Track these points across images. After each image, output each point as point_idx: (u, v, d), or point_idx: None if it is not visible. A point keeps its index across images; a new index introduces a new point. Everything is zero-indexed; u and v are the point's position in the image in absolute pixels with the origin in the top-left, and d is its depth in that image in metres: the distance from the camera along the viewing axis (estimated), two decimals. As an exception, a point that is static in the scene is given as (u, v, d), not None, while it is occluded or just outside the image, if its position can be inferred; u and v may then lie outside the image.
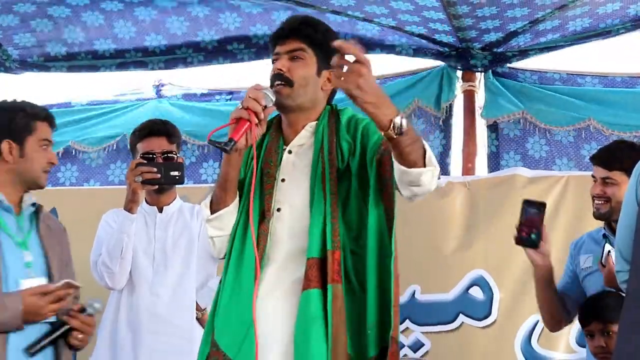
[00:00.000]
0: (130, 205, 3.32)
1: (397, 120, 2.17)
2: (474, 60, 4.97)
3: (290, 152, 2.48)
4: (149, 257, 3.41)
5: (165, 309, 3.35)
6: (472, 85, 5.10)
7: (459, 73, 5.11)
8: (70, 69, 5.19)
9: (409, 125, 2.20)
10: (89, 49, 5.01)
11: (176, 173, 3.34)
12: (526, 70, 5.14)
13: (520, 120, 5.04)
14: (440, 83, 5.10)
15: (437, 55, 5.03)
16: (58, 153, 5.45)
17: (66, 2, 4.55)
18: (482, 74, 5.08)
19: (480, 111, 5.10)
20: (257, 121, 2.30)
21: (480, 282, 4.56)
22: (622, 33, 4.75)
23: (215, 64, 5.19)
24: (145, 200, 3.49)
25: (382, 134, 2.21)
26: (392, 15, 4.59)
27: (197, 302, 3.44)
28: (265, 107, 2.32)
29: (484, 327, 4.48)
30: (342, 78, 2.14)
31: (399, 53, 5.00)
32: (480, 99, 5.12)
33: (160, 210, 3.51)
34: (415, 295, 4.56)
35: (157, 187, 3.42)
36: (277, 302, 2.33)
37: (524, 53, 4.99)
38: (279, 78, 2.41)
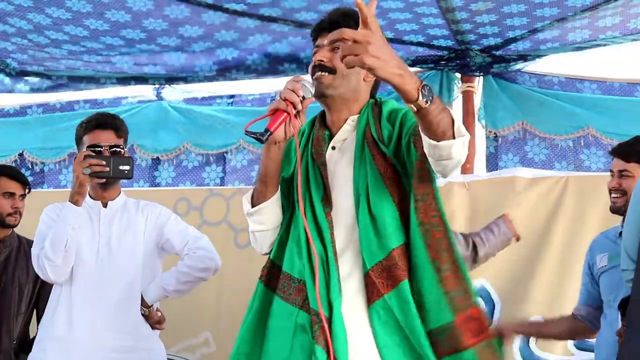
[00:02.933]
0: (76, 198, 3.22)
1: (424, 90, 2.05)
2: (473, 62, 4.98)
3: (333, 147, 2.42)
4: (93, 252, 3.33)
5: (109, 304, 3.29)
6: (470, 87, 5.11)
7: (458, 74, 5.14)
8: (71, 79, 5.26)
9: (434, 93, 2.10)
10: (89, 65, 5.07)
11: (125, 167, 3.26)
12: (525, 72, 5.15)
13: (519, 131, 5.07)
14: (440, 85, 5.11)
15: (436, 63, 5.05)
16: (64, 160, 5.49)
17: (64, 30, 4.57)
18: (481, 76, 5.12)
19: (478, 113, 5.12)
20: (295, 112, 2.25)
21: (482, 294, 4.55)
22: (622, 43, 4.78)
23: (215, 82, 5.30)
24: (89, 195, 3.42)
25: (411, 105, 2.06)
26: (389, 27, 4.60)
27: (143, 299, 3.37)
28: (304, 98, 2.27)
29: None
30: (347, 55, 1.94)
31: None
32: (478, 100, 5.14)
33: (105, 205, 3.43)
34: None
35: (103, 180, 3.35)
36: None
37: (523, 57, 5.00)
38: (320, 68, 2.36)
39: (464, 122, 5.02)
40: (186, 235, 3.44)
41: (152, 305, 3.37)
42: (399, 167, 2.33)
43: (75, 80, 5.31)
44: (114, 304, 3.30)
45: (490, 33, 4.70)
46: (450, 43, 4.87)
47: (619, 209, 3.37)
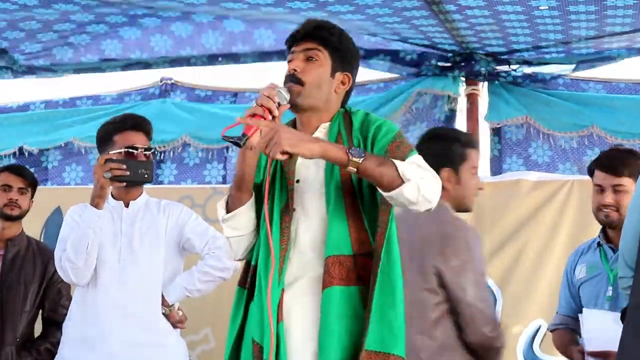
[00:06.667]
0: (96, 201, 3.26)
1: (352, 150, 2.25)
2: (478, 66, 4.97)
3: None
4: (116, 252, 3.36)
5: (131, 303, 3.32)
6: (475, 89, 5.10)
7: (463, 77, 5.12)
8: (77, 71, 5.23)
9: (365, 151, 2.29)
10: (96, 50, 5.04)
11: (145, 171, 3.31)
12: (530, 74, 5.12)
13: (523, 125, 5.05)
14: (444, 88, 5.09)
15: (442, 61, 5.04)
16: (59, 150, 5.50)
17: (71, 19, 4.56)
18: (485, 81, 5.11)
19: (484, 115, 5.10)
20: (270, 118, 2.32)
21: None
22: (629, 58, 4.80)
23: (219, 65, 5.21)
24: (112, 195, 3.45)
25: (349, 168, 2.26)
26: (396, 33, 4.62)
27: (164, 298, 3.40)
28: (279, 104, 2.35)
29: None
30: (268, 151, 2.24)
31: (403, 58, 5.01)
32: (483, 104, 5.12)
33: (127, 205, 3.46)
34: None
35: (124, 184, 3.37)
36: (296, 297, 2.35)
37: (527, 62, 4.99)
38: (291, 78, 2.44)
39: (468, 125, 5.12)
40: (206, 235, 3.46)
41: (173, 304, 3.42)
42: (358, 187, 2.40)
43: (80, 72, 5.28)
44: (136, 302, 3.34)
45: (495, 44, 4.71)
46: (455, 48, 4.87)
47: (612, 222, 3.28)
